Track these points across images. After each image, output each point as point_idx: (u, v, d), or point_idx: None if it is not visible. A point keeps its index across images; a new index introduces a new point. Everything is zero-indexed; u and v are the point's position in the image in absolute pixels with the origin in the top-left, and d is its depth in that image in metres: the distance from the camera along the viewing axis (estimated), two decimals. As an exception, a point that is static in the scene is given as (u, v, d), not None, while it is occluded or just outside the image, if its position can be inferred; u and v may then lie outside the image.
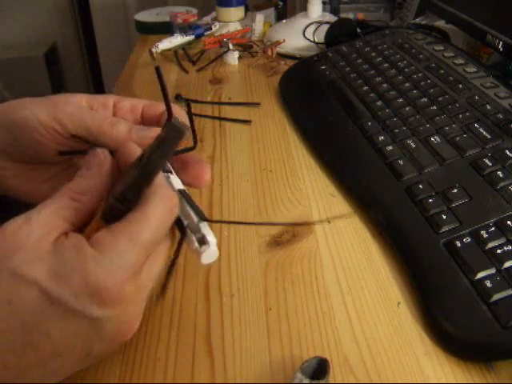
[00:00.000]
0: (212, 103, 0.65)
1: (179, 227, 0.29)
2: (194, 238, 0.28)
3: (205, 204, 0.45)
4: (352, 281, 0.36)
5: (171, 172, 0.31)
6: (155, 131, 0.32)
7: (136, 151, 0.29)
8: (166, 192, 0.27)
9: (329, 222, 0.42)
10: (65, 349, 0.24)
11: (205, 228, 0.28)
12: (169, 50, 0.81)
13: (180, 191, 0.29)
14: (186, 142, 0.31)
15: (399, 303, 0.34)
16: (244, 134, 0.57)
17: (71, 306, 0.23)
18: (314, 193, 0.46)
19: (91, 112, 0.33)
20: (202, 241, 0.27)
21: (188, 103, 0.33)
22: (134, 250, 0.25)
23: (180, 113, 0.33)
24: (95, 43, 1.80)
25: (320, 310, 0.34)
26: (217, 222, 0.29)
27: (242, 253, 0.39)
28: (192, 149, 0.33)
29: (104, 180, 0.28)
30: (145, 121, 0.35)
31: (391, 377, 0.29)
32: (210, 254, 0.27)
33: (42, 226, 0.25)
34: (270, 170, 0.50)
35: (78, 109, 0.32)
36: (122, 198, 0.26)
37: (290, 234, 0.41)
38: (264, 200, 0.45)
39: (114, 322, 0.25)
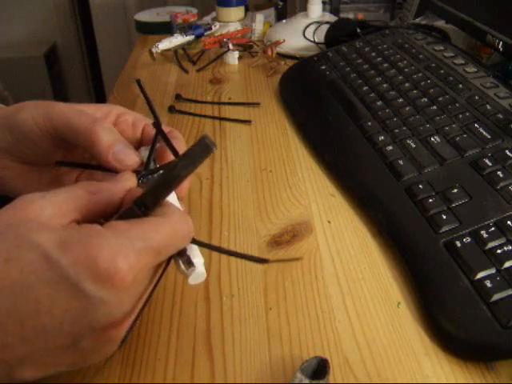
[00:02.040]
0: (212, 103, 0.65)
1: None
2: (180, 262, 0.28)
3: (205, 204, 0.45)
4: (352, 281, 0.36)
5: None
6: (130, 155, 0.32)
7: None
8: (184, 213, 0.28)
9: (329, 222, 0.42)
10: (51, 326, 0.23)
11: (191, 250, 0.28)
12: (169, 50, 0.81)
13: None
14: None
15: (399, 303, 0.34)
16: (244, 134, 0.57)
17: (66, 274, 0.23)
18: (314, 193, 0.46)
19: (80, 114, 0.33)
20: (189, 263, 0.27)
21: (138, 80, 0.33)
22: (144, 243, 0.24)
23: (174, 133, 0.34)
24: (95, 43, 1.80)
25: (320, 310, 0.34)
26: (201, 245, 0.29)
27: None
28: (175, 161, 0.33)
29: (120, 189, 0.29)
30: (144, 138, 0.36)
31: (391, 377, 0.30)
32: (197, 276, 0.27)
33: (55, 206, 0.25)
34: (270, 170, 0.50)
35: (67, 109, 0.33)
36: (140, 203, 0.26)
37: (290, 234, 0.41)
38: (264, 200, 0.45)
39: (107, 308, 0.24)
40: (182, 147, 0.33)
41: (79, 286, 0.23)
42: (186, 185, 0.33)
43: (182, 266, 0.28)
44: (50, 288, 0.23)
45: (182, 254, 0.28)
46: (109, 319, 0.24)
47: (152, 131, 0.34)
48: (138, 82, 0.32)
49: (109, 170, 0.33)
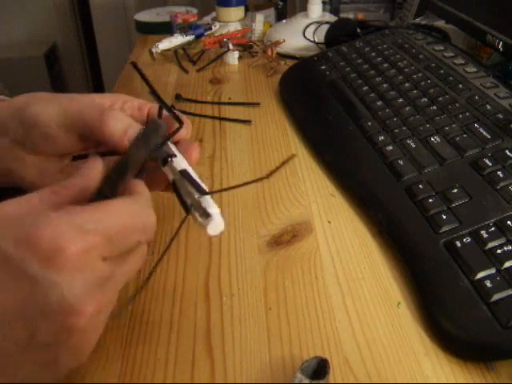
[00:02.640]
0: (212, 103, 0.65)
1: (184, 207, 0.29)
2: (197, 215, 0.28)
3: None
4: (352, 281, 0.36)
5: (175, 155, 0.32)
6: None
7: None
8: (148, 207, 0.28)
9: (329, 222, 0.42)
10: (3, 316, 0.22)
11: (205, 201, 0.28)
12: (169, 50, 0.81)
13: (181, 172, 0.30)
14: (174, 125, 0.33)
15: (399, 303, 0.34)
16: (244, 134, 0.57)
17: (10, 255, 0.22)
18: (314, 193, 0.46)
19: (90, 105, 0.33)
20: (205, 214, 0.28)
21: (133, 63, 0.35)
22: (94, 225, 0.24)
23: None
24: (95, 43, 1.80)
25: (320, 310, 0.34)
26: (216, 192, 0.29)
27: (242, 253, 0.39)
28: (180, 128, 0.34)
29: (87, 180, 0.28)
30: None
31: (391, 377, 0.30)
32: (214, 226, 0.28)
33: (21, 200, 0.25)
34: (270, 170, 0.50)
35: (77, 102, 0.33)
36: (99, 193, 0.27)
37: (290, 234, 0.41)
38: (264, 200, 0.45)
39: (56, 291, 0.23)
40: (188, 129, 0.34)
41: (23, 266, 0.22)
42: (194, 155, 0.34)
43: (199, 219, 0.28)
44: None
45: (198, 207, 0.28)
46: (61, 305, 0.23)
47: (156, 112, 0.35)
48: (134, 64, 0.33)
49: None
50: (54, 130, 0.32)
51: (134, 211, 0.27)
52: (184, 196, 0.29)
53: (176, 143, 0.34)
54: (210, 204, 0.28)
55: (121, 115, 0.33)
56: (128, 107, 0.36)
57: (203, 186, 0.29)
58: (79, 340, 0.25)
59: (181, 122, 0.34)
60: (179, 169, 0.31)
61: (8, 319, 0.22)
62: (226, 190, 0.32)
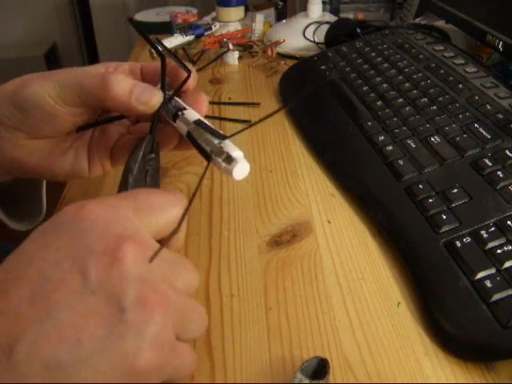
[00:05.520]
0: (212, 103, 0.65)
1: (204, 156, 0.29)
2: (220, 160, 0.28)
3: (205, 204, 0.45)
4: (352, 281, 0.36)
5: (185, 108, 0.32)
6: (152, 93, 0.32)
7: None
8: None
9: (329, 222, 0.42)
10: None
11: (227, 147, 0.28)
12: (169, 50, 0.81)
13: (195, 122, 0.31)
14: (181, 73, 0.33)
15: (399, 303, 0.34)
16: (244, 133, 0.57)
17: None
18: (314, 193, 0.46)
19: (88, 74, 0.32)
20: (229, 159, 0.27)
21: (130, 19, 0.36)
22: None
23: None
24: (95, 43, 1.80)
25: (320, 310, 0.34)
26: (234, 135, 0.29)
27: (242, 253, 0.39)
28: (188, 77, 0.33)
29: None
30: (145, 79, 0.35)
31: (391, 377, 0.30)
32: (240, 169, 0.27)
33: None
34: (270, 170, 0.50)
35: (73, 74, 0.32)
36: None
37: (290, 234, 0.41)
38: (264, 200, 0.45)
39: (95, 233, 0.23)
40: (194, 78, 0.34)
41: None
42: (204, 106, 0.34)
43: (224, 165, 0.28)
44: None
45: (220, 153, 0.28)
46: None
47: (152, 66, 0.35)
48: (131, 20, 0.34)
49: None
50: (52, 106, 0.32)
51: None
52: (202, 144, 0.29)
53: (182, 94, 0.34)
54: (231, 148, 0.28)
55: (121, 76, 0.32)
56: (121, 71, 0.35)
57: (220, 132, 0.29)
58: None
59: (188, 71, 0.33)
60: (193, 119, 0.31)
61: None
62: (242, 130, 0.30)
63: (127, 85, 0.31)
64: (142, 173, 0.30)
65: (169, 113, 0.32)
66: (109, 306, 0.22)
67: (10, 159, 0.34)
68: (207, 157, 0.29)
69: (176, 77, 0.34)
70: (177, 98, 0.33)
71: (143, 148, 0.31)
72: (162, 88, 0.33)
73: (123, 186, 0.29)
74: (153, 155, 0.31)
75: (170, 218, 0.26)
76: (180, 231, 0.27)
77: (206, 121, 0.31)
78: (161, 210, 0.26)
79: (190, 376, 0.30)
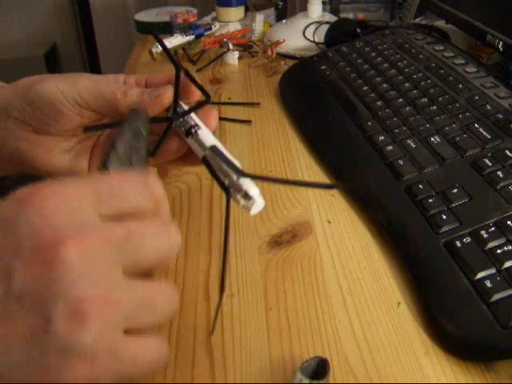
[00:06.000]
0: (212, 103, 0.65)
1: (222, 187, 0.30)
2: (238, 197, 0.29)
3: (205, 204, 0.45)
4: (352, 281, 0.36)
5: (198, 126, 0.33)
6: (164, 89, 0.34)
7: None
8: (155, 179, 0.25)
9: (329, 222, 0.42)
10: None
11: (245, 184, 0.29)
12: (169, 50, 0.81)
13: (212, 148, 0.31)
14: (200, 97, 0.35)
15: (399, 303, 0.34)
16: (244, 134, 0.57)
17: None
18: (314, 193, 0.46)
19: (106, 82, 0.34)
20: (247, 196, 0.29)
21: (154, 34, 0.36)
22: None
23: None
24: (95, 43, 1.80)
25: (320, 310, 0.34)
26: (255, 177, 0.30)
27: (242, 253, 0.39)
28: (207, 101, 0.35)
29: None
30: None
31: (391, 377, 0.29)
32: (257, 207, 0.29)
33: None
34: (270, 170, 0.50)
35: (93, 80, 0.34)
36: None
37: (290, 234, 0.41)
38: (264, 200, 0.45)
39: (31, 226, 0.20)
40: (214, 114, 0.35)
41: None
42: (213, 123, 0.35)
43: (242, 201, 0.29)
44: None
45: (238, 190, 0.29)
46: (36, 238, 0.20)
47: (156, 79, 0.36)
48: (156, 36, 0.36)
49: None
50: (63, 104, 0.33)
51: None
52: (219, 175, 0.30)
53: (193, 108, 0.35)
54: (249, 185, 0.29)
55: (133, 87, 0.34)
56: (127, 83, 0.37)
57: (237, 163, 0.30)
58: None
59: (208, 96, 0.34)
60: (208, 145, 0.31)
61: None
62: (262, 178, 0.32)
63: (138, 91, 0.34)
64: (130, 152, 0.28)
65: (183, 127, 0.33)
66: (34, 315, 0.19)
67: (11, 150, 0.35)
68: (227, 192, 0.30)
69: (185, 90, 0.35)
70: (192, 114, 0.34)
71: (134, 123, 0.29)
72: (175, 98, 0.34)
73: (104, 165, 0.26)
74: (144, 133, 0.30)
75: (135, 206, 0.24)
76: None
77: (221, 146, 0.32)
78: (125, 199, 0.23)
79: (190, 377, 0.30)
